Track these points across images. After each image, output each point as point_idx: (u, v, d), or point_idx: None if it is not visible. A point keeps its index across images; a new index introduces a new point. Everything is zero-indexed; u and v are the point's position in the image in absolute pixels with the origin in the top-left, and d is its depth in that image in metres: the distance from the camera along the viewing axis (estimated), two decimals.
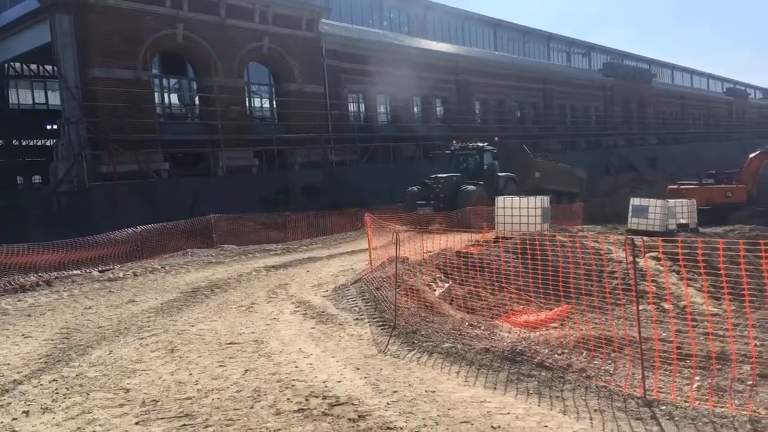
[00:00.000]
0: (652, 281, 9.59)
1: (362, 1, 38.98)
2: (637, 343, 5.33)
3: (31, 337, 7.78)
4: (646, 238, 11.81)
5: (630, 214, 18.89)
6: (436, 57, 36.81)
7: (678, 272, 10.09)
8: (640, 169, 49.75)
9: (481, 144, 22.90)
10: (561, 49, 58.65)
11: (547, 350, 6.00)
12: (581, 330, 6.50)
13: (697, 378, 5.38)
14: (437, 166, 24.13)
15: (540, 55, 55.23)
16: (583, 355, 5.87)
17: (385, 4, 41.11)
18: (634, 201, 19.16)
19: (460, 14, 47.44)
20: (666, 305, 8.25)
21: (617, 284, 9.02)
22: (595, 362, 5.70)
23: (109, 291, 11.04)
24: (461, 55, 39.75)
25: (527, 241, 7.98)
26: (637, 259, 5.92)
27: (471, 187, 20.50)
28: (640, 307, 5.98)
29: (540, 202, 14.39)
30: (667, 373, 5.41)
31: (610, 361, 5.72)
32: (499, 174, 22.38)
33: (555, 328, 6.86)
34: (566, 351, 5.96)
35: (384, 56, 31.95)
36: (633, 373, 5.36)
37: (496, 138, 24.48)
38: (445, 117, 37.46)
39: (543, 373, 5.48)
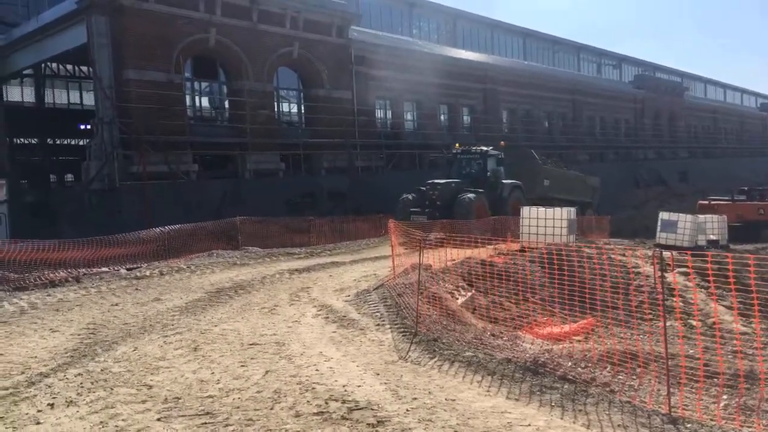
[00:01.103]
0: (680, 297, 9.41)
1: (392, 9, 39.16)
2: (663, 359, 5.23)
3: (58, 331, 7.94)
4: (674, 253, 11.60)
5: (659, 228, 18.58)
6: (464, 65, 36.76)
7: (706, 288, 9.89)
8: (670, 183, 48.94)
9: (485, 148, 21.24)
10: (591, 60, 58.12)
11: (570, 363, 5.92)
12: (606, 344, 6.41)
13: (725, 397, 5.26)
14: (440, 173, 22.68)
15: (570, 65, 54.79)
16: (607, 369, 5.78)
17: (415, 13, 41.23)
18: (664, 215, 18.85)
19: (490, 23, 47.36)
20: (694, 322, 8.09)
21: (644, 299, 8.87)
22: (620, 377, 5.61)
23: (136, 289, 11.22)
24: (490, 64, 39.62)
25: (553, 253, 7.89)
26: (665, 274, 5.82)
27: (470, 195, 18.76)
28: (667, 323, 5.87)
29: (566, 213, 14.24)
30: (693, 390, 5.30)
31: (634, 377, 5.62)
32: (504, 181, 20.77)
33: (579, 341, 6.77)
34: (590, 364, 5.87)
35: (412, 63, 32.02)
36: (658, 390, 5.26)
37: (503, 142, 23.19)
38: (472, 126, 37.34)
39: (566, 386, 5.40)
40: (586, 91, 47.11)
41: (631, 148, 51.51)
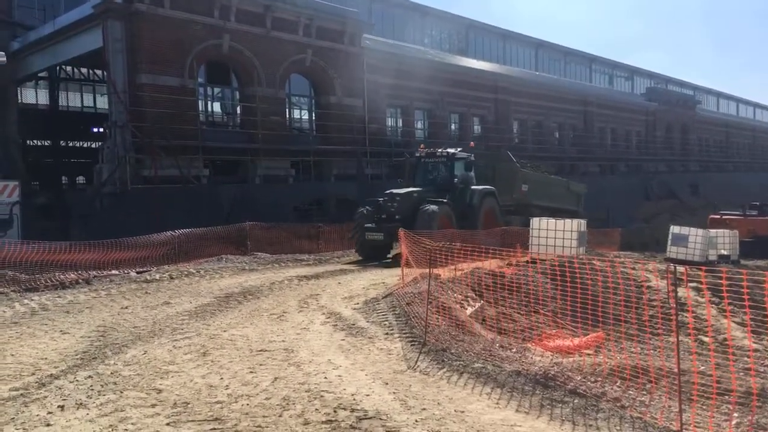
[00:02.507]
0: (692, 312, 9.33)
1: (405, 18, 39.35)
2: (674, 374, 5.19)
3: (68, 333, 7.98)
4: (687, 268, 11.52)
5: (669, 242, 18.46)
6: (475, 75, 36.83)
7: (718, 304, 9.81)
8: (681, 196, 48.68)
9: (451, 150, 18.52)
10: (603, 71, 58.08)
11: (580, 377, 5.88)
12: (616, 358, 6.36)
13: (736, 414, 5.20)
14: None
15: (582, 77, 54.76)
16: (618, 384, 5.73)
17: (427, 22, 41.40)
18: (674, 229, 18.72)
19: (502, 33, 47.47)
20: (705, 338, 8.02)
21: (654, 313, 8.80)
22: (630, 392, 5.56)
23: (146, 292, 11.27)
24: (501, 74, 39.67)
25: (564, 264, 7.86)
26: (678, 289, 5.78)
27: (433, 207, 16.08)
28: (679, 339, 5.82)
29: (576, 225, 14.19)
30: (705, 407, 5.25)
31: (645, 392, 5.57)
32: (475, 187, 18.19)
33: (589, 354, 6.73)
34: (600, 379, 5.83)
35: (424, 73, 32.10)
36: (669, 406, 5.21)
37: (472, 143, 20.72)
38: (482, 135, 37.34)
39: (576, 400, 5.36)
40: (597, 102, 47.04)
41: (642, 161, 51.33)
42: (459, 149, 18.68)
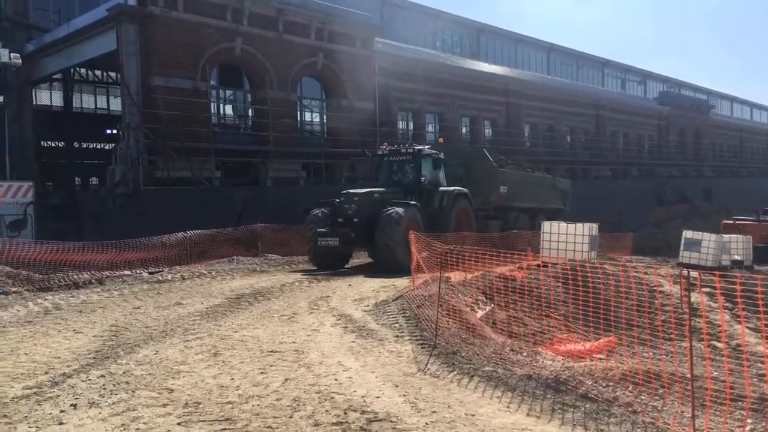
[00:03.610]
0: (705, 318, 9.24)
1: (416, 22, 39.40)
2: (687, 380, 5.14)
3: (81, 332, 8.04)
4: (700, 273, 11.44)
5: (682, 247, 18.30)
6: (486, 79, 36.80)
7: (731, 309, 9.72)
8: (694, 201, 48.28)
9: (418, 147, 16.57)
10: (616, 75, 57.84)
11: (591, 381, 5.85)
12: (628, 363, 6.32)
13: (750, 421, 5.15)
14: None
15: (594, 81, 54.55)
16: (630, 388, 5.69)
17: (439, 26, 41.42)
18: (687, 234, 18.56)
19: (514, 37, 47.42)
20: (718, 343, 7.95)
21: (667, 318, 8.74)
22: (642, 397, 5.52)
23: (158, 292, 11.34)
24: (513, 78, 39.62)
25: (576, 268, 7.83)
26: (691, 294, 5.74)
27: (398, 210, 14.11)
28: (692, 344, 5.78)
29: (588, 229, 14.11)
30: (718, 413, 5.20)
31: (657, 397, 5.53)
32: (445, 189, 16.34)
33: (601, 359, 6.69)
34: (612, 383, 5.79)
35: (435, 76, 32.15)
36: (682, 411, 5.17)
37: (442, 139, 19.55)
38: (494, 139, 37.28)
39: (587, 405, 5.33)
40: (610, 106, 46.83)
41: (654, 165, 51.01)
42: (427, 146, 17.02)
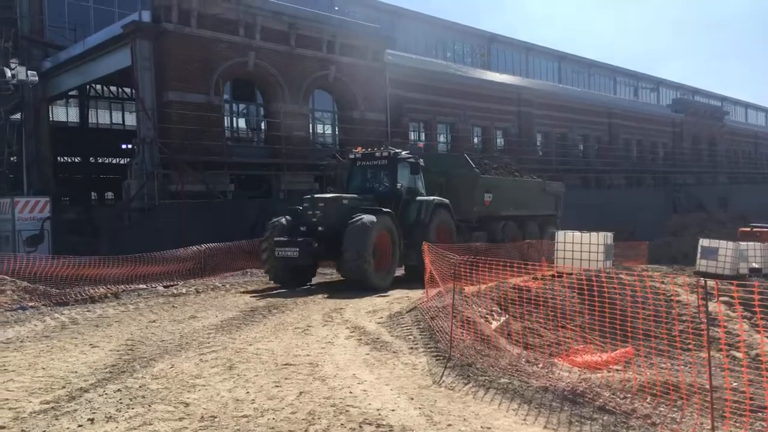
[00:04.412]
0: (723, 327, 9.12)
1: (426, 33, 39.58)
2: (706, 391, 5.07)
3: (98, 346, 8.10)
4: (718, 281, 11.30)
5: (699, 255, 18.12)
6: (498, 88, 36.83)
7: (750, 319, 9.58)
8: (710, 208, 47.78)
9: (394, 150, 15.23)
10: (628, 83, 57.68)
11: (608, 393, 5.79)
12: (646, 374, 6.24)
13: None
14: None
15: (606, 88, 54.41)
16: (648, 400, 5.62)
17: (449, 36, 41.60)
18: (704, 242, 18.39)
19: (524, 46, 47.49)
20: (738, 353, 7.83)
21: (685, 328, 8.63)
22: (661, 409, 5.45)
23: (173, 306, 11.41)
24: (524, 87, 39.61)
25: (591, 278, 7.76)
26: (708, 303, 5.67)
27: (369, 218, 12.67)
28: (711, 354, 5.71)
29: (603, 238, 14.02)
30: (738, 425, 5.12)
31: (676, 409, 5.46)
32: (423, 198, 15.00)
33: (618, 370, 6.61)
34: (630, 395, 5.73)
35: (446, 86, 32.25)
36: (702, 423, 5.10)
37: (420, 143, 18.31)
38: (506, 148, 37.24)
39: (605, 417, 5.27)
40: (622, 114, 46.63)
41: (669, 173, 50.63)
42: (404, 150, 15.70)
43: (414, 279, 13.78)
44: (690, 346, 7.61)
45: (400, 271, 14.99)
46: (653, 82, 60.85)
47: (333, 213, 13.13)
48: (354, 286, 12.77)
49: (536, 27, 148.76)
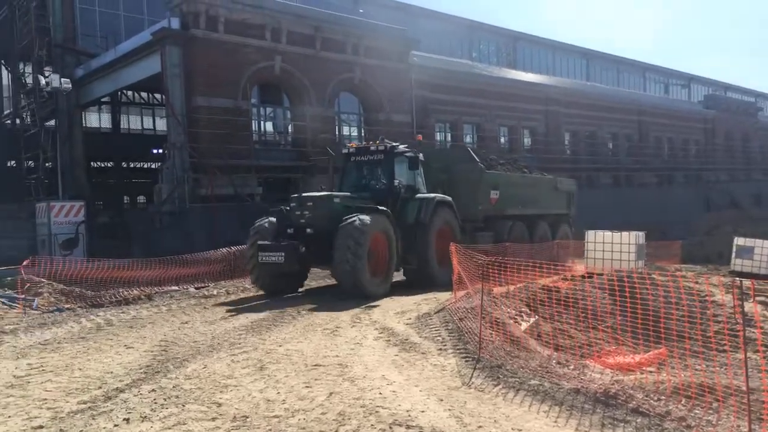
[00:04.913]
0: (760, 328, 8.91)
1: (451, 34, 39.48)
2: (743, 393, 4.96)
3: (132, 347, 8.27)
4: (754, 281, 11.04)
5: (734, 254, 17.72)
6: (524, 87, 36.55)
7: None
8: (744, 206, 46.67)
9: (391, 144, 14.06)
10: (658, 80, 56.71)
11: (642, 395, 5.70)
12: (680, 376, 6.13)
13: None
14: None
15: (635, 85, 53.59)
16: (683, 402, 5.52)
17: (475, 36, 41.42)
18: (739, 241, 17.97)
19: (551, 44, 47.04)
20: None
21: (720, 329, 8.46)
22: (696, 411, 5.35)
23: (204, 307, 11.57)
24: (551, 86, 39.22)
25: (623, 278, 7.65)
26: (744, 303, 5.54)
27: (363, 218, 11.63)
28: (747, 355, 5.58)
29: (634, 238, 13.81)
30: None
31: (712, 411, 5.35)
32: (423, 195, 13.96)
33: (651, 372, 6.51)
34: (664, 397, 5.63)
35: (471, 86, 32.12)
36: (738, 426, 4.98)
37: (419, 135, 16.69)
38: (533, 148, 36.92)
39: (639, 419, 5.19)
40: (652, 111, 45.86)
41: (701, 170, 49.63)
42: (403, 144, 14.60)
43: (414, 284, 13.19)
44: (726, 348, 7.46)
45: (399, 275, 14.03)
46: (684, 79, 59.71)
47: (323, 213, 12.15)
48: (346, 292, 11.84)
49: (563, 25, 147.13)
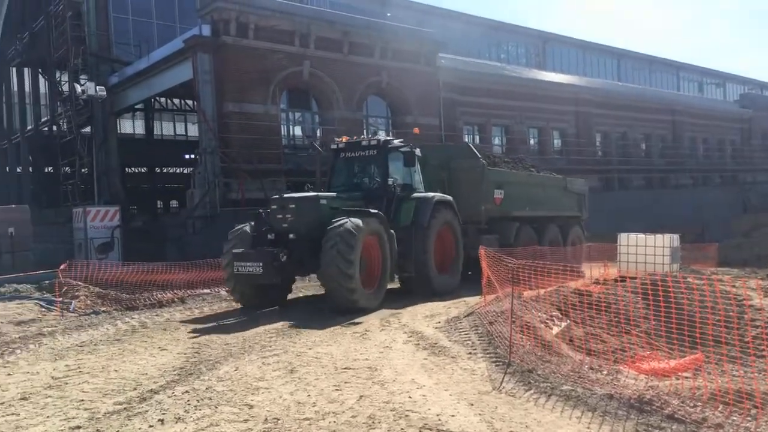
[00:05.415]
0: None
1: (479, 35, 39.32)
2: None
3: (166, 350, 8.42)
4: None
5: None
6: (553, 88, 36.17)
7: None
8: None
9: (385, 138, 13.14)
10: (692, 79, 55.58)
11: (677, 401, 5.58)
12: (717, 382, 5.99)
13: None
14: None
15: (669, 85, 52.61)
16: (720, 409, 5.39)
17: (503, 38, 41.17)
18: None
19: (580, 44, 46.49)
20: None
21: (759, 334, 8.23)
22: (734, 418, 5.21)
23: (235, 310, 11.70)
24: (581, 86, 38.74)
25: (658, 282, 7.51)
26: None
27: (353, 221, 10.42)
28: None
29: (669, 240, 13.54)
30: None
31: (750, 418, 5.21)
32: (421, 195, 12.76)
33: (687, 377, 6.37)
34: (700, 403, 5.50)
35: (500, 88, 31.94)
36: None
37: (417, 129, 15.12)
38: (563, 149, 36.51)
39: (674, 426, 5.08)
40: (686, 111, 44.93)
41: (738, 171, 48.45)
42: (397, 139, 13.59)
43: (412, 293, 12.37)
44: (764, 353, 7.26)
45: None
46: (719, 77, 58.39)
47: (308, 216, 10.91)
48: (335, 304, 10.78)
49: (593, 24, 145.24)
